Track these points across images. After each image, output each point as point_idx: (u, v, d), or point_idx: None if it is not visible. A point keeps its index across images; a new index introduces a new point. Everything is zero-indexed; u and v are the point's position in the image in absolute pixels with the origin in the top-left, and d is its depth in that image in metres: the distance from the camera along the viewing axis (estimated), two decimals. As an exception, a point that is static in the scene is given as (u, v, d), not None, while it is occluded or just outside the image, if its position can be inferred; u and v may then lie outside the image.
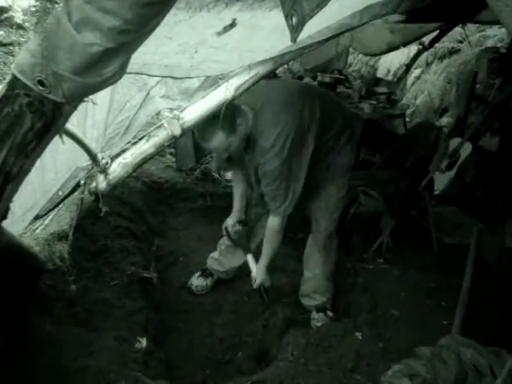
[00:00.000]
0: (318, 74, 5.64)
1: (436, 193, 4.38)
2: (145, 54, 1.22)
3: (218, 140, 2.28)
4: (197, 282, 3.32)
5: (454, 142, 4.68)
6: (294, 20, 1.05)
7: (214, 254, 3.33)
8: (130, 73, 1.17)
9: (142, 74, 1.35)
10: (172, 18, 1.13)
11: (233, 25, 1.27)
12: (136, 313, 2.67)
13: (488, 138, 5.04)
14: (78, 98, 0.94)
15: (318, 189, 2.78)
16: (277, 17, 1.31)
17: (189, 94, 2.24)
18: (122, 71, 0.86)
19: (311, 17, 1.09)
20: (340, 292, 3.26)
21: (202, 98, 2.20)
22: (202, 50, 1.37)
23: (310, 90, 2.71)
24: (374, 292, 3.20)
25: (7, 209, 1.17)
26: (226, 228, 3.06)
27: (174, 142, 4.93)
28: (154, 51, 1.25)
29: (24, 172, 1.05)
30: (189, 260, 3.63)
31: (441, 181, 4.55)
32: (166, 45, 1.27)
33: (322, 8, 1.11)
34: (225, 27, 1.26)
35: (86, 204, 2.22)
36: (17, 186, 1.09)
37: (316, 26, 1.81)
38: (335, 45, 6.43)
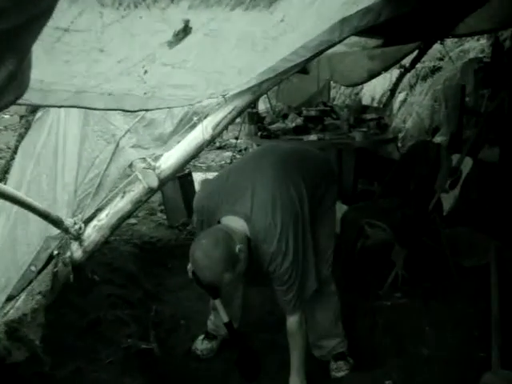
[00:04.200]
0: (303, 108, 5.49)
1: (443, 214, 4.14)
2: (73, 77, 0.95)
3: (227, 280, 2.15)
4: (202, 345, 3.01)
5: (453, 160, 4.48)
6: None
7: (211, 315, 3.04)
8: (60, 106, 0.94)
9: (78, 107, 1.07)
10: (97, 19, 0.87)
11: (187, 31, 1.03)
12: (136, 392, 2.38)
13: (487, 150, 4.85)
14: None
15: None
16: (241, 20, 1.10)
17: (163, 141, 2.03)
18: (15, 89, 0.61)
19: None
20: (360, 336, 2.96)
21: (178, 142, 2.00)
22: (152, 68, 1.10)
23: (291, 162, 2.54)
24: (397, 331, 2.91)
25: None
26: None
27: (163, 200, 4.75)
28: (86, 71, 0.97)
29: None
30: (191, 323, 3.32)
31: (446, 201, 4.32)
32: (100, 61, 0.99)
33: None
34: (176, 34, 1.02)
35: (63, 276, 1.96)
36: None
37: (293, 44, 1.61)
38: (316, 81, 6.35)
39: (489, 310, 2.94)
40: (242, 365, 2.75)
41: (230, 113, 1.93)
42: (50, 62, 0.65)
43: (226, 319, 2.67)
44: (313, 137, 4.56)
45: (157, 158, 1.94)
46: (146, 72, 1.07)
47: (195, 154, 1.97)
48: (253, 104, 5.95)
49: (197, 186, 4.88)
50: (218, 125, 1.93)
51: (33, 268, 2.05)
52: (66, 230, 1.83)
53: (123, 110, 1.14)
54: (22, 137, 2.57)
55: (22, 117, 2.65)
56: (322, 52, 1.96)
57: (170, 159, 1.94)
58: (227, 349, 3.02)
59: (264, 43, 1.32)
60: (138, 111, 1.22)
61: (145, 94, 1.14)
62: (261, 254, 2.28)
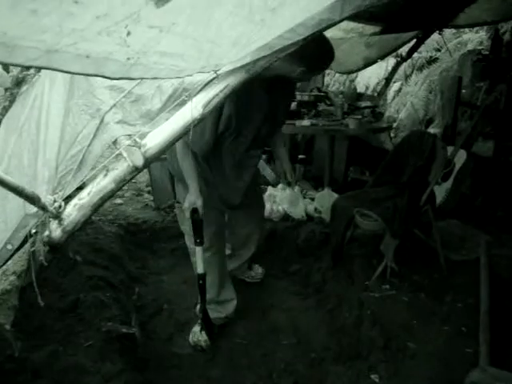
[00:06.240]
0: (297, 93, 5.38)
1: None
2: (44, 32, 0.84)
3: None
4: (205, 336, 2.86)
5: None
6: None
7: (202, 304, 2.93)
8: (29, 66, 0.83)
9: (50, 68, 0.94)
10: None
11: (177, -13, 0.94)
12: (114, 377, 2.30)
13: (481, 144, 4.79)
14: None
15: None
16: (239, -16, 1.01)
17: (150, 118, 1.92)
18: None
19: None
20: (346, 328, 2.90)
21: (166, 120, 1.89)
22: (137, 30, 0.99)
23: None
24: (384, 324, 2.84)
25: None
26: (196, 209, 2.44)
27: (151, 181, 4.64)
28: (58, 25, 0.85)
29: None
30: (174, 307, 3.26)
31: (438, 193, 4.26)
32: (75, 15, 0.87)
33: None
34: (165, -11, 0.94)
35: (42, 256, 1.86)
36: None
37: (292, 19, 1.52)
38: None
39: (477, 305, 2.89)
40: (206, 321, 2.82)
41: (221, 91, 1.82)
42: (13, 9, 0.55)
43: (201, 270, 2.60)
44: (305, 122, 4.48)
45: (143, 136, 1.83)
46: (129, 34, 0.96)
47: (184, 133, 1.87)
48: (246, 87, 5.84)
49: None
50: (208, 103, 1.82)
51: (9, 247, 1.94)
52: (43, 208, 1.73)
53: (103, 77, 1.02)
54: (6, 110, 2.46)
55: (6, 89, 2.54)
56: (320, 31, 1.87)
57: (156, 137, 1.83)
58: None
59: (262, 14, 1.23)
60: (119, 79, 1.11)
61: (128, 59, 1.02)
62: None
